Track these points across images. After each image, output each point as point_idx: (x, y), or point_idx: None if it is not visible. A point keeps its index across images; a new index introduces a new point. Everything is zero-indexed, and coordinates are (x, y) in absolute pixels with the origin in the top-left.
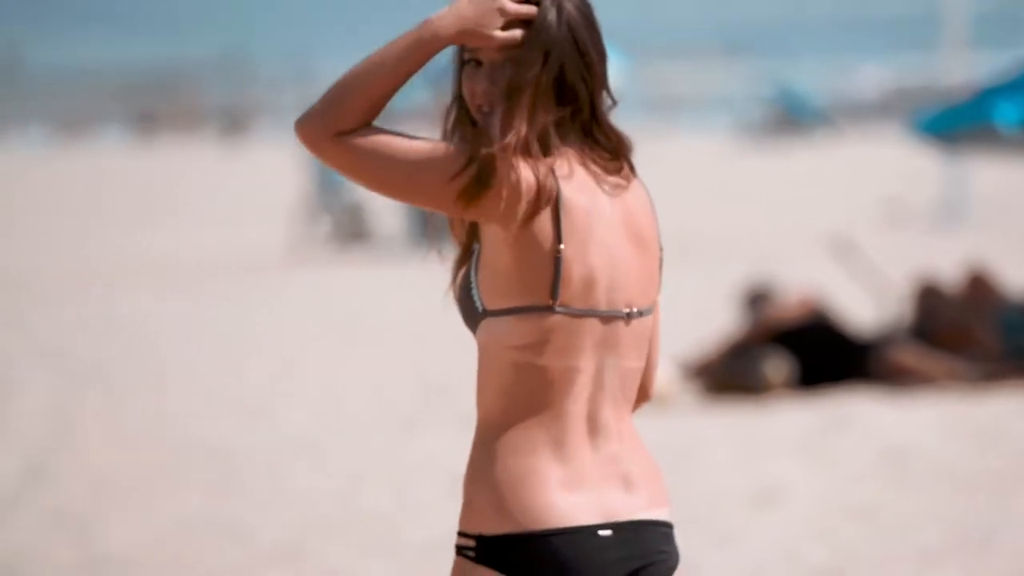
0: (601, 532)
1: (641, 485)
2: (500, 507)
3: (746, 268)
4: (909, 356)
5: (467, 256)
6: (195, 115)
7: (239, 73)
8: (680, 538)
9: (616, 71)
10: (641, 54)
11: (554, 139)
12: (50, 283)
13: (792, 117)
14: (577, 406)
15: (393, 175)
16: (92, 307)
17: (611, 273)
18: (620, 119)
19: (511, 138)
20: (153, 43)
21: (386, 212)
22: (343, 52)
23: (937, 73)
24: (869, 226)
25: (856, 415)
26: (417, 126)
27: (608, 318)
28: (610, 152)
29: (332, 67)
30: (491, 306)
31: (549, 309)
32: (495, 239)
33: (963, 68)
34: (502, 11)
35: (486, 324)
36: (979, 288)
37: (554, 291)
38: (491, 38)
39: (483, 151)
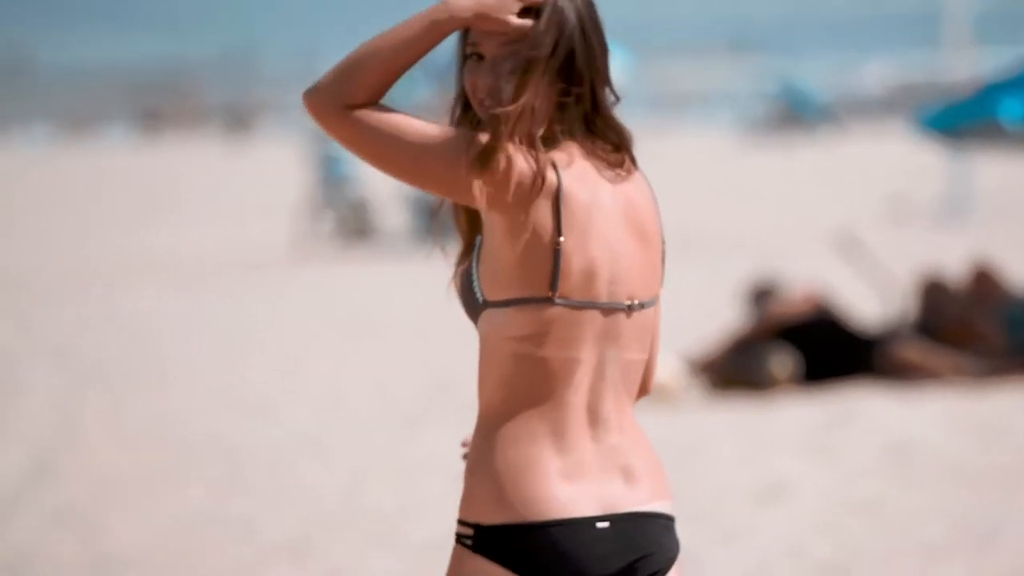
0: (599, 524)
1: (642, 478)
2: (499, 497)
3: (751, 264)
4: (914, 352)
5: (470, 249)
6: (199, 113)
7: (243, 71)
8: (685, 534)
9: (621, 68)
10: (646, 51)
11: (557, 132)
12: (54, 281)
13: (796, 114)
14: (578, 397)
15: (398, 153)
16: (96, 305)
17: (612, 266)
18: (624, 116)
19: (518, 105)
20: (158, 41)
21: (390, 209)
22: (347, 50)
23: (941, 70)
24: (874, 222)
25: (861, 411)
26: None
27: (609, 310)
28: (612, 144)
29: None
30: (491, 297)
31: (548, 301)
32: (496, 230)
33: (967, 65)
34: None
35: (487, 315)
36: (984, 284)
37: (553, 283)
38: (505, 23)
39: (490, 128)
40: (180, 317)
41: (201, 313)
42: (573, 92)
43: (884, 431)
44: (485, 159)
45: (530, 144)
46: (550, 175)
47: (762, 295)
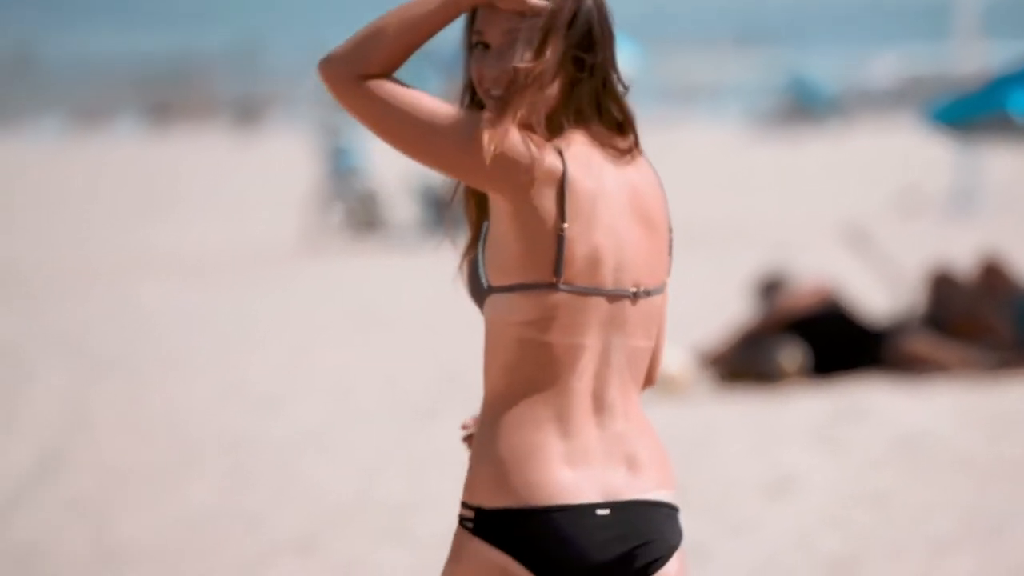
0: (599, 511)
1: (646, 466)
2: (502, 481)
3: (759, 257)
4: (923, 345)
5: (478, 235)
6: (208, 106)
7: (252, 64)
8: (694, 526)
9: (629, 60)
10: (654, 43)
11: (563, 119)
12: (62, 275)
13: (805, 106)
14: (582, 383)
15: (406, 129)
16: (104, 298)
17: (618, 253)
18: (632, 108)
19: (537, 65)
20: (167, 34)
21: (399, 201)
22: None
23: (950, 63)
24: (882, 215)
25: (870, 404)
26: None
27: (614, 297)
28: (619, 131)
29: None
30: (496, 282)
31: (552, 287)
32: (501, 215)
33: (976, 58)
34: None
35: (492, 300)
36: (993, 277)
37: (557, 269)
38: (522, 1)
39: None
40: (188, 310)
41: (209, 306)
42: (587, 65)
43: (893, 424)
44: (492, 146)
45: (536, 129)
46: (555, 162)
47: (771, 288)
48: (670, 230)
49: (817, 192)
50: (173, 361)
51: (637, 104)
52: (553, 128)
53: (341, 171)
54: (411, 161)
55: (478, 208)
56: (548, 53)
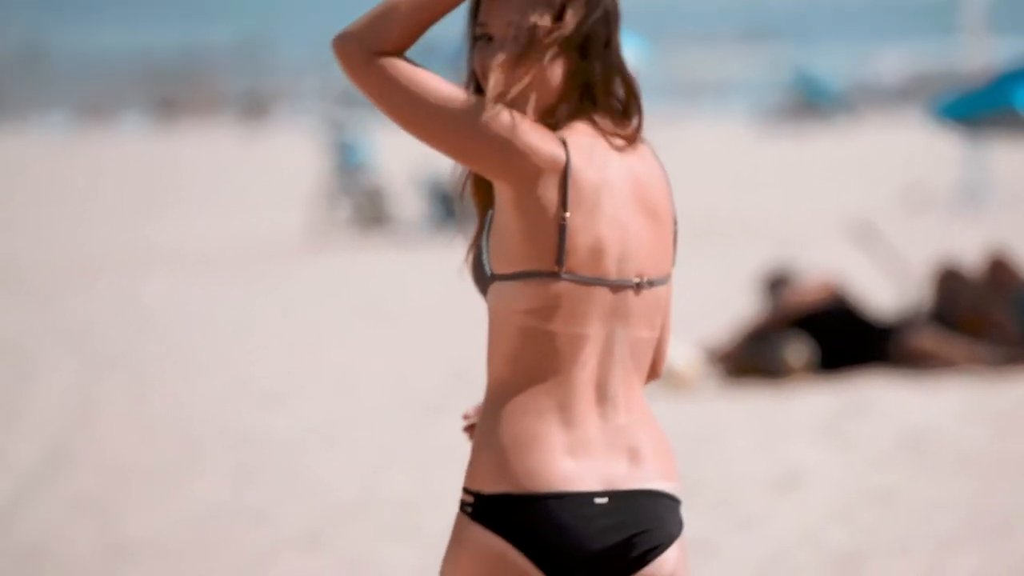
0: (598, 500)
1: (648, 458)
2: (502, 467)
3: (766, 253)
4: (929, 340)
5: (483, 224)
6: (215, 101)
7: (259, 59)
8: (701, 522)
9: (636, 56)
10: (660, 39)
11: (568, 109)
12: (68, 269)
13: (811, 102)
14: (585, 373)
15: (414, 109)
16: (110, 293)
17: (622, 243)
18: (641, 97)
19: (556, 25)
20: (173, 29)
21: (406, 196)
22: None
23: (957, 58)
24: (889, 211)
25: (876, 399)
26: None
27: (618, 287)
28: (623, 116)
29: None
30: (499, 270)
31: (555, 275)
32: (505, 203)
33: (983, 53)
34: None
35: (495, 288)
36: (1000, 272)
37: (559, 258)
38: None
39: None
40: (194, 306)
41: (215, 302)
42: (592, 53)
43: (899, 420)
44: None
45: (539, 117)
46: (558, 151)
47: (777, 284)
48: (675, 221)
49: (823, 188)
50: (178, 357)
51: (644, 100)
52: (557, 118)
53: (348, 167)
54: (417, 157)
55: (484, 196)
56: (568, 17)
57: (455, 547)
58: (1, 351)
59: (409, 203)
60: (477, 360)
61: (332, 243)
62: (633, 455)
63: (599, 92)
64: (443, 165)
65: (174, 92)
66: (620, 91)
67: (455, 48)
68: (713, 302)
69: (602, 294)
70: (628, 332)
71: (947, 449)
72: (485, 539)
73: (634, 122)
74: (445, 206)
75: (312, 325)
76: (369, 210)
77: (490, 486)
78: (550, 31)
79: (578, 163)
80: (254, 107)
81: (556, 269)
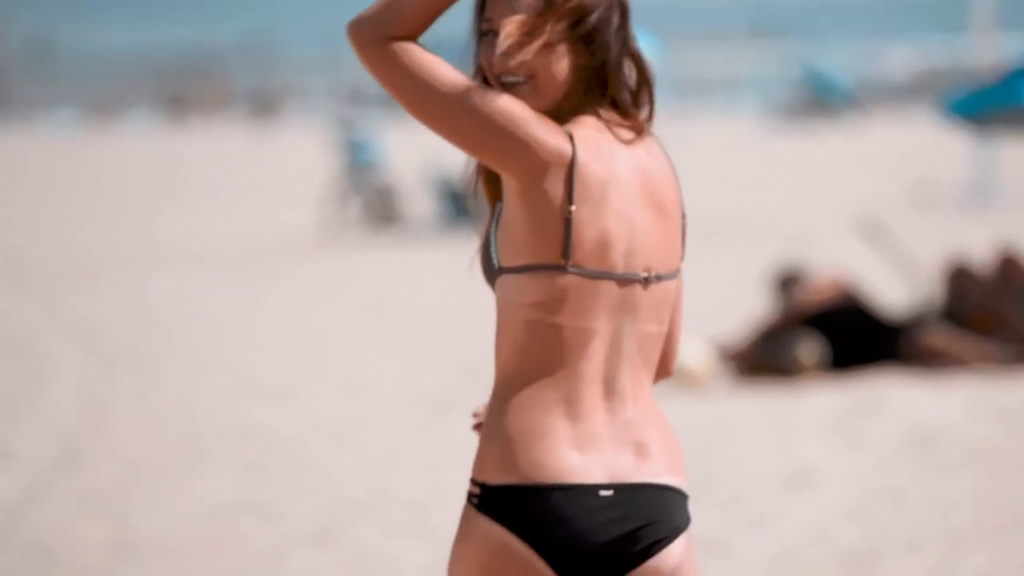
0: (602, 492)
1: (655, 452)
2: (508, 458)
3: (776, 250)
4: (940, 338)
5: (494, 217)
6: (224, 98)
7: (268, 56)
8: (712, 520)
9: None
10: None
11: (574, 101)
12: (78, 267)
13: (820, 99)
14: (592, 367)
15: (428, 97)
16: (120, 291)
17: (629, 237)
18: (653, 92)
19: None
20: (182, 26)
21: (416, 195)
22: None
23: (966, 55)
24: (899, 208)
25: (887, 397)
26: None
27: (625, 281)
28: (630, 111)
29: None
30: (506, 263)
31: (561, 269)
32: (512, 195)
33: (992, 50)
34: None
35: (502, 281)
36: (1010, 270)
37: (566, 251)
38: None
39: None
40: (204, 303)
41: (225, 299)
42: (599, 46)
43: (910, 418)
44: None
45: (547, 111)
46: (565, 145)
47: (788, 282)
48: (683, 215)
49: (832, 185)
50: (187, 354)
51: (655, 86)
52: (564, 112)
53: (358, 164)
54: (427, 155)
55: (494, 189)
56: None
57: (461, 538)
58: (9, 349)
59: (419, 201)
60: (486, 358)
61: (342, 241)
62: (640, 449)
63: (611, 80)
64: (453, 163)
65: (182, 90)
66: (632, 78)
67: (461, 46)
68: (723, 300)
69: (609, 288)
70: (636, 326)
71: (958, 447)
72: (490, 530)
73: (644, 112)
74: (455, 204)
75: (321, 323)
76: (379, 208)
77: (496, 477)
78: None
79: (584, 157)
80: (263, 105)
81: (562, 262)
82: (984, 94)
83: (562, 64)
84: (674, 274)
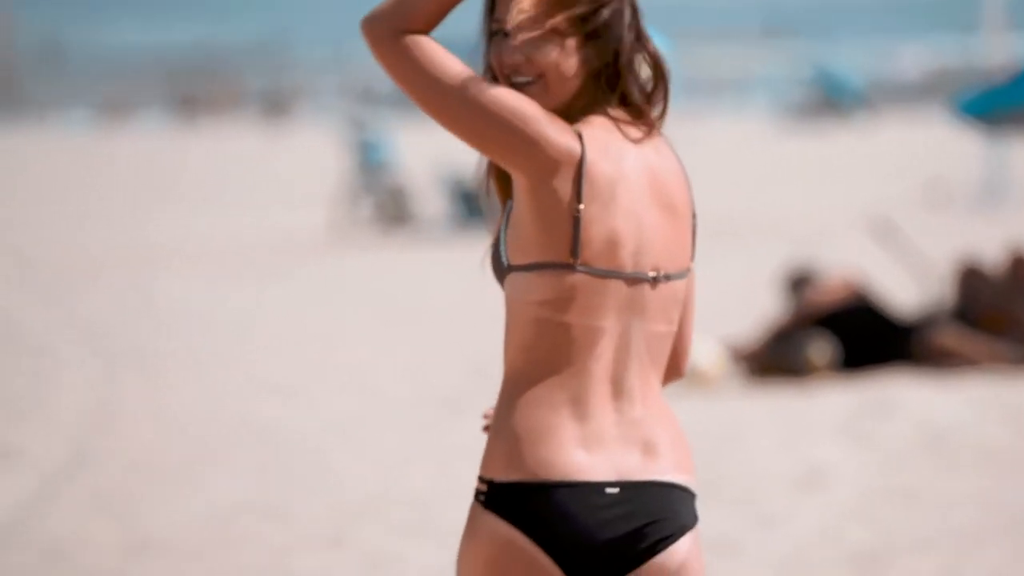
0: (608, 490)
1: (663, 451)
2: (515, 456)
3: (788, 250)
4: (951, 338)
5: (504, 216)
6: (236, 99)
7: (279, 57)
8: (723, 519)
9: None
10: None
11: (583, 101)
12: (89, 266)
13: (832, 99)
14: (600, 366)
15: (439, 93)
16: (131, 290)
17: (637, 237)
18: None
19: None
20: (194, 27)
21: (428, 195)
22: None
23: (977, 54)
24: (910, 208)
25: (898, 397)
26: None
27: (633, 280)
28: (640, 110)
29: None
30: (515, 261)
31: (569, 267)
32: (521, 194)
33: (1004, 50)
34: None
35: (511, 279)
36: (1021, 270)
37: (574, 250)
38: None
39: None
40: (215, 302)
41: (238, 298)
42: (608, 46)
43: (921, 418)
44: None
45: (556, 110)
46: (574, 144)
47: (799, 282)
48: (693, 215)
49: (844, 185)
50: (198, 353)
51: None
52: (573, 111)
53: (370, 165)
54: (438, 155)
55: (505, 188)
56: None
57: (468, 535)
58: (21, 349)
59: (431, 201)
60: (496, 358)
61: (353, 241)
62: (647, 448)
63: (622, 75)
64: (465, 163)
65: (194, 90)
66: (646, 75)
67: (471, 47)
68: (734, 300)
69: (617, 287)
70: (645, 326)
71: (968, 446)
72: (496, 526)
73: (657, 109)
74: (467, 204)
75: (331, 323)
76: (391, 208)
77: (503, 474)
78: None
79: (593, 156)
80: (274, 105)
81: (571, 261)
82: (995, 94)
83: (571, 62)
84: (683, 274)
